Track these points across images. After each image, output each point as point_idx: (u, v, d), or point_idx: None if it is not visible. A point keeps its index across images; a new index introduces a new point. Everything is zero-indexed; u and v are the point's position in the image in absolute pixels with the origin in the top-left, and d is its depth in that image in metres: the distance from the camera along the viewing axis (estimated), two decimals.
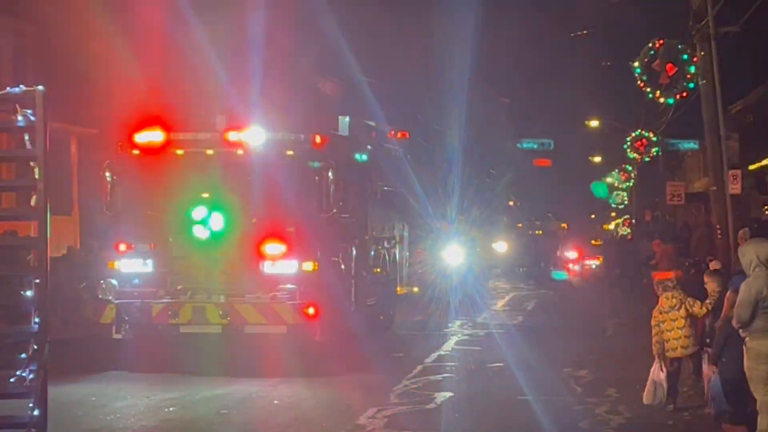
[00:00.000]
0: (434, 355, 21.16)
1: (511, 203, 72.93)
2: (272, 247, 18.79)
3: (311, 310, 18.42)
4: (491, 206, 55.02)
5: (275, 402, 15.68)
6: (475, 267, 42.55)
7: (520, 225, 70.98)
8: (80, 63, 29.84)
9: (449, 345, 23.10)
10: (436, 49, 47.42)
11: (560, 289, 44.92)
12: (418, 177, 27.99)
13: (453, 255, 36.45)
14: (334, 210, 19.26)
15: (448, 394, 16.42)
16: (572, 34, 44.43)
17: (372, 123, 24.59)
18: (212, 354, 18.60)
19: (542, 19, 57.46)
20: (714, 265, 17.28)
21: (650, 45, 29.05)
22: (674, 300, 15.07)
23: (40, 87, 8.71)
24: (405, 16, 47.05)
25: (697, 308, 14.89)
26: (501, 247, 59.88)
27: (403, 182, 26.15)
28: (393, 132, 26.12)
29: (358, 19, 38.60)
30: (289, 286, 18.51)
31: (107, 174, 19.43)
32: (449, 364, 20.06)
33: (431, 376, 18.34)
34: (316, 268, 18.90)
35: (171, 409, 15.15)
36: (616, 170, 66.35)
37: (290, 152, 19.06)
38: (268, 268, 18.78)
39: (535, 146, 25.91)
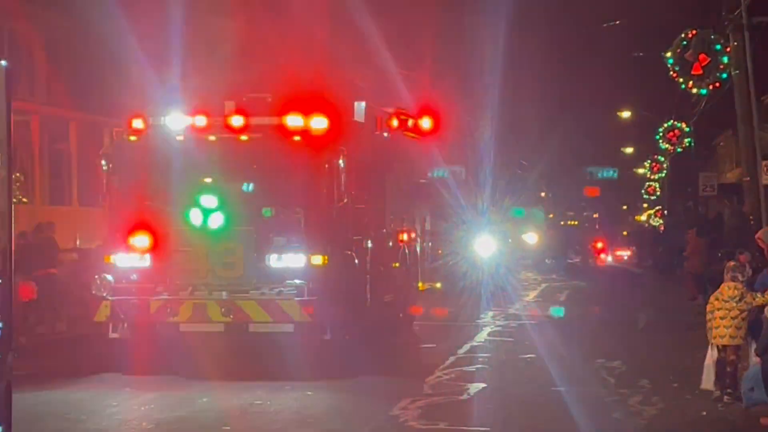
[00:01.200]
0: (467, 346, 21.15)
1: (542, 194, 72.76)
2: (278, 240, 17.60)
3: (320, 307, 17.20)
4: (523, 197, 54.92)
5: (308, 393, 15.68)
6: (507, 258, 42.49)
7: (551, 215, 70.87)
8: (113, 56, 29.95)
9: (482, 336, 23.10)
10: (467, 38, 47.30)
11: (593, 281, 44.82)
12: (448, 167, 27.72)
13: (484, 246, 36.43)
14: (346, 200, 18.05)
15: (481, 385, 16.42)
16: (604, 24, 44.32)
17: (391, 110, 23.01)
18: (215, 354, 17.77)
19: (574, 9, 57.25)
20: (744, 257, 17.21)
21: (683, 35, 28.98)
22: (736, 291, 14.93)
23: (3, 62, 7.90)
24: (437, 6, 46.98)
25: (760, 299, 14.75)
26: (531, 238, 59.79)
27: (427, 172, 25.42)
28: (414, 120, 24.27)
29: (392, 8, 38.59)
30: (296, 281, 17.31)
31: (103, 162, 18.31)
32: (482, 355, 20.04)
33: (464, 366, 18.33)
34: (326, 261, 17.62)
35: (204, 399, 15.20)
36: (648, 161, 66.13)
37: (298, 138, 17.78)
38: (273, 261, 17.55)
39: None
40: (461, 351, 20.45)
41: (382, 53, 35.01)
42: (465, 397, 15.58)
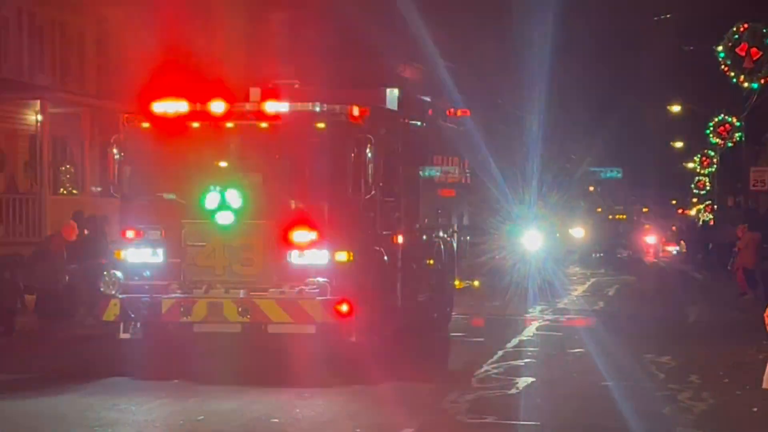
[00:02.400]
0: (515, 340, 21.07)
1: (590, 188, 72.48)
2: (300, 234, 16.35)
3: (344, 307, 15.99)
4: (570, 191, 54.73)
5: (356, 387, 15.63)
6: (554, 252, 42.32)
7: (599, 209, 70.58)
8: (163, 49, 30.07)
9: (530, 330, 23.01)
10: (516, 32, 47.17)
11: (642, 276, 44.58)
12: (495, 160, 27.43)
13: (531, 240, 36.30)
14: (373, 192, 16.71)
15: (530, 379, 16.36)
16: (655, 17, 44.06)
17: (428, 98, 22.02)
18: (235, 356, 16.86)
19: (624, 1, 56.91)
20: None
21: (734, 29, 28.84)
22: None
23: None
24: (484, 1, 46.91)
25: None
26: (578, 232, 59.61)
27: (470, 165, 24.75)
28: (452, 110, 23.36)
29: (438, 2, 38.52)
30: (319, 279, 16.11)
31: (114, 151, 17.09)
32: (530, 349, 19.97)
33: (512, 361, 18.25)
34: (352, 258, 16.47)
35: (251, 392, 15.20)
36: (698, 155, 65.76)
37: (321, 125, 16.53)
38: (295, 258, 16.36)
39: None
40: (510, 345, 20.38)
41: (427, 45, 34.94)
42: (514, 391, 15.51)
